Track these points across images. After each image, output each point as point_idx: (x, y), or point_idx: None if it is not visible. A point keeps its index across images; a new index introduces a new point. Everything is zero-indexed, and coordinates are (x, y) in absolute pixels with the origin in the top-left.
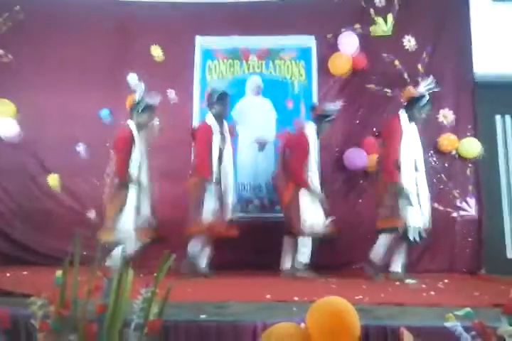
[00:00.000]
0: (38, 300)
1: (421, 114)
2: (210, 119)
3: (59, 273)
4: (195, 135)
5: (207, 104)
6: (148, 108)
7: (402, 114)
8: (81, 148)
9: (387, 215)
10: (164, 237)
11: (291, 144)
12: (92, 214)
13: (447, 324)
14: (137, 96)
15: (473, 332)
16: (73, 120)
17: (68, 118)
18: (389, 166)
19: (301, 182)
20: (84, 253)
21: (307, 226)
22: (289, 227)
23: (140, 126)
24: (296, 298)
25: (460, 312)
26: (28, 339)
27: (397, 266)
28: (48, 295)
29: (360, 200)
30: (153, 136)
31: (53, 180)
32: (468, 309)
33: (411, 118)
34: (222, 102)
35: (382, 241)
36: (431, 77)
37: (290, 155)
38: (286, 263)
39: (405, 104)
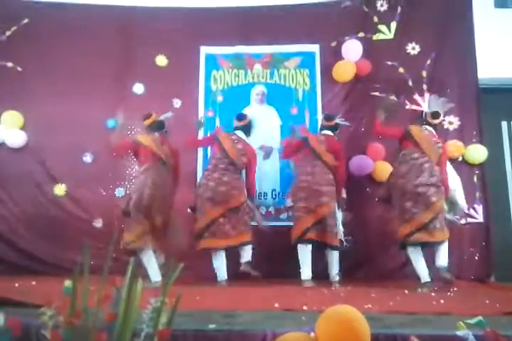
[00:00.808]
0: (48, 310)
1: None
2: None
3: (67, 282)
4: (252, 159)
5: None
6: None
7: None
8: (88, 157)
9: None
10: None
11: (333, 149)
12: (99, 224)
13: (459, 333)
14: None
15: None
16: (80, 129)
17: (75, 127)
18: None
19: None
20: (92, 262)
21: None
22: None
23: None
24: (305, 307)
25: (472, 321)
26: None
27: None
28: (58, 305)
29: (367, 208)
30: None
31: (60, 190)
32: (480, 317)
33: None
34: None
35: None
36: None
37: (336, 161)
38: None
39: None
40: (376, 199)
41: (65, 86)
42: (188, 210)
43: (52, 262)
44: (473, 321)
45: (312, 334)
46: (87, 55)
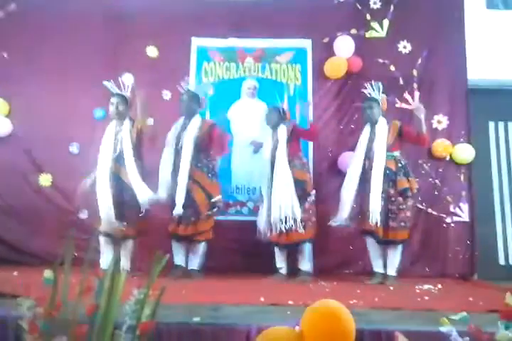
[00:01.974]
0: (27, 300)
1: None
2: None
3: (47, 273)
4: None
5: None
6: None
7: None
8: (74, 147)
9: None
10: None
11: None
12: (84, 215)
13: (442, 328)
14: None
15: (468, 338)
16: (67, 119)
17: (62, 116)
18: None
19: None
20: (76, 254)
21: None
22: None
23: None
24: (290, 302)
25: (455, 317)
26: (16, 340)
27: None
28: (37, 296)
29: (355, 205)
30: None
31: (46, 180)
32: (464, 313)
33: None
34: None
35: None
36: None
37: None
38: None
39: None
40: None
41: (53, 74)
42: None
43: (36, 253)
44: (456, 317)
45: (297, 328)
46: (77, 43)
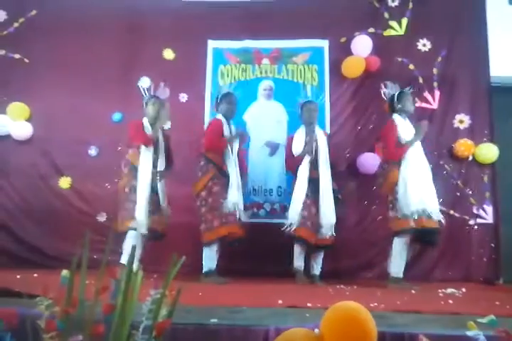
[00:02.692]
0: (44, 300)
1: (404, 103)
2: (218, 116)
3: (64, 272)
4: (207, 129)
5: (215, 107)
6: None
7: (395, 116)
8: (93, 150)
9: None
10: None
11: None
12: (102, 218)
13: (469, 333)
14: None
15: None
16: (86, 122)
17: (81, 120)
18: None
19: None
20: (95, 257)
21: None
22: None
23: (151, 120)
24: (309, 304)
25: (483, 320)
26: (34, 339)
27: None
28: (55, 296)
29: (374, 207)
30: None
31: (65, 183)
32: (491, 316)
33: (406, 113)
34: (227, 101)
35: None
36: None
37: None
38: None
39: (389, 110)
40: None
41: (72, 78)
42: None
43: (55, 255)
44: (484, 320)
45: (316, 330)
46: (95, 47)
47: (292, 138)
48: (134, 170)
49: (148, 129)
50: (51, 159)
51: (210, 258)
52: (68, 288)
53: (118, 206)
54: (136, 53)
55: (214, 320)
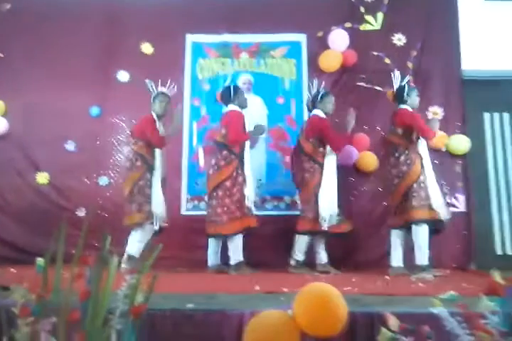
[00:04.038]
0: (19, 288)
1: (413, 97)
2: (236, 108)
3: (40, 260)
4: (225, 120)
5: (225, 101)
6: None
7: (405, 106)
8: (71, 145)
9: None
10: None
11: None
12: (81, 213)
13: (434, 310)
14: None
15: (459, 317)
16: (63, 117)
17: (58, 114)
18: None
19: None
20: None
21: None
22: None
23: (158, 116)
24: (285, 289)
25: (444, 296)
26: (10, 327)
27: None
28: (30, 284)
29: (352, 198)
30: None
31: (43, 178)
32: (451, 292)
33: (412, 107)
34: (242, 93)
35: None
36: (396, 72)
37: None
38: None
39: (397, 100)
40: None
41: (49, 73)
42: None
43: (34, 251)
44: (445, 296)
45: (289, 311)
46: (72, 42)
47: (325, 119)
48: (146, 163)
49: (159, 127)
50: (28, 155)
51: (237, 249)
52: (44, 276)
53: (127, 199)
54: (114, 47)
55: (190, 305)
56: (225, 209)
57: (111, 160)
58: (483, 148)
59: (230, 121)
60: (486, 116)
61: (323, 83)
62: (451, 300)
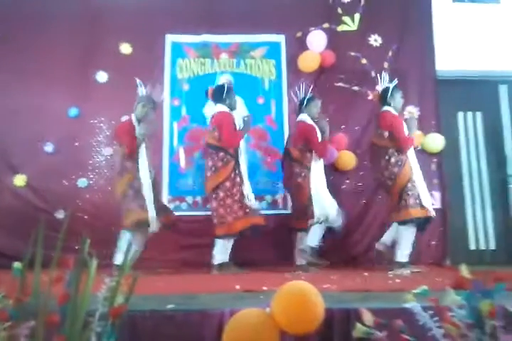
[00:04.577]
0: None
1: (397, 99)
2: (225, 109)
3: (16, 264)
4: (215, 121)
5: (215, 99)
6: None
7: (388, 108)
8: (49, 146)
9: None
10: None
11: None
12: (60, 215)
13: (407, 305)
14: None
15: (431, 311)
16: (41, 118)
17: (36, 115)
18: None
19: None
20: (52, 254)
21: None
22: None
23: (138, 119)
24: (265, 288)
25: (416, 291)
26: None
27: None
28: (8, 289)
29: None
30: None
31: (20, 180)
32: (424, 287)
33: (395, 109)
34: (233, 94)
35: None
36: (384, 74)
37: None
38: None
39: (381, 102)
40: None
41: (26, 74)
42: None
43: (12, 255)
44: (417, 291)
45: (268, 309)
46: (49, 41)
47: (311, 126)
48: (136, 165)
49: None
50: (5, 157)
51: (225, 249)
52: (21, 279)
53: (122, 201)
54: (93, 47)
55: (171, 306)
56: (228, 210)
57: (90, 162)
58: (457, 147)
59: (221, 124)
60: (460, 115)
61: (303, 83)
62: (424, 295)
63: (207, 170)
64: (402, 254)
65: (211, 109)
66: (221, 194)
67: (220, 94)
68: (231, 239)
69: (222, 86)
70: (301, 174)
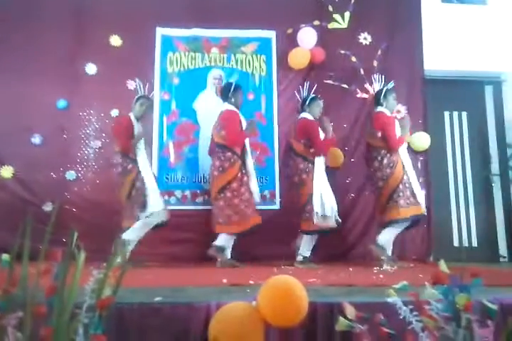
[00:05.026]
0: None
1: (390, 101)
2: (232, 107)
3: (5, 256)
4: (222, 120)
5: (223, 96)
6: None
7: (382, 109)
8: (37, 138)
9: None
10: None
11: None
12: (48, 207)
13: (389, 299)
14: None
15: (412, 306)
16: (29, 110)
17: (24, 107)
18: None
19: None
20: (40, 247)
21: None
22: None
23: (136, 117)
24: (251, 282)
25: (397, 286)
26: None
27: None
28: None
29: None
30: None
31: (7, 172)
32: (404, 282)
33: (389, 109)
34: (240, 93)
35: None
36: (379, 75)
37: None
38: None
39: (375, 103)
40: None
41: (14, 65)
42: None
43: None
44: (398, 286)
45: (254, 302)
46: (39, 33)
47: (313, 122)
48: (135, 163)
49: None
50: None
51: (229, 246)
52: (9, 270)
53: (126, 202)
54: (82, 39)
55: (158, 298)
56: (235, 209)
57: (78, 154)
58: (442, 145)
59: (227, 123)
60: (446, 114)
61: (292, 80)
62: (404, 290)
63: (214, 169)
64: (382, 251)
65: (218, 106)
66: (228, 194)
67: (226, 92)
68: (234, 237)
69: (230, 84)
70: (305, 170)
